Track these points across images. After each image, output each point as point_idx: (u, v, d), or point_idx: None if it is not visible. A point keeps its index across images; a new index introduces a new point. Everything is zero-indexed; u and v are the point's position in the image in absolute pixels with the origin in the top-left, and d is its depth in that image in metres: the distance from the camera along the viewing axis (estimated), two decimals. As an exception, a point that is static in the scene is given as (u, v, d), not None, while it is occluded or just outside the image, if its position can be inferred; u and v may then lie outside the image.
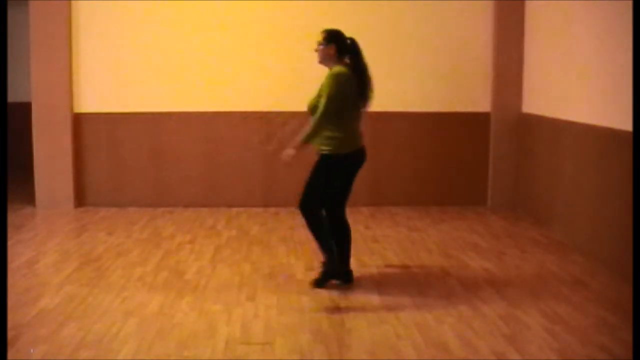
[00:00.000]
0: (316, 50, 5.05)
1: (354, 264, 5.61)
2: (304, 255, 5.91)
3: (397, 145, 7.86)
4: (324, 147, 4.96)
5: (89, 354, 3.88)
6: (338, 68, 4.95)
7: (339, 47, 5.00)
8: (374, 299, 4.85)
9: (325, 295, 4.88)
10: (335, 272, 5.09)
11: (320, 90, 4.96)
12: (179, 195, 7.87)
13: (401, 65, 7.73)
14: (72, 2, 7.60)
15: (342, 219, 5.09)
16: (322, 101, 4.87)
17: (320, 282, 5.06)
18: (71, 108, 7.69)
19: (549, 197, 6.86)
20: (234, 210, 7.70)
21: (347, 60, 5.01)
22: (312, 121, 4.93)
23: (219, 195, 7.88)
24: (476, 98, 7.82)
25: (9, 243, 6.18)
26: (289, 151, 4.94)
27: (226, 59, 7.77)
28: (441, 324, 4.35)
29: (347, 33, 7.68)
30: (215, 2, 7.71)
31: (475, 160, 7.88)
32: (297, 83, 7.78)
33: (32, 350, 3.90)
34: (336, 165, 4.97)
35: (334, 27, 5.10)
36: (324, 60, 5.04)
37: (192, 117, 7.82)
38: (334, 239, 5.07)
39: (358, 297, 4.87)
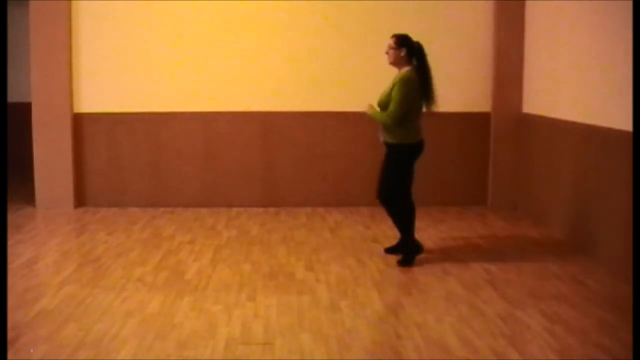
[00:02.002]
0: (387, 53, 5.58)
1: (354, 264, 5.63)
2: (304, 255, 5.92)
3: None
4: (390, 138, 5.57)
5: (89, 354, 3.88)
6: (406, 73, 5.50)
7: (408, 50, 5.53)
8: (374, 298, 4.85)
9: (326, 295, 4.88)
10: (412, 250, 5.70)
11: (391, 91, 5.48)
12: (179, 195, 7.86)
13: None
14: (72, 2, 7.60)
15: (408, 199, 5.69)
16: (392, 105, 5.44)
17: (406, 262, 5.60)
18: (71, 108, 7.68)
19: (549, 197, 6.86)
20: (234, 210, 7.70)
21: (414, 62, 5.54)
22: (384, 114, 5.51)
23: (219, 195, 7.88)
24: (476, 98, 7.81)
25: (9, 243, 6.18)
26: (370, 106, 5.64)
27: (226, 59, 7.76)
28: (441, 324, 4.35)
29: (347, 33, 7.78)
30: (215, 2, 7.71)
31: (475, 160, 7.88)
32: (297, 83, 7.80)
33: (32, 350, 3.90)
34: (401, 153, 5.57)
35: (403, 33, 5.59)
36: (395, 62, 5.57)
37: (192, 117, 7.82)
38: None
39: (358, 297, 4.87)
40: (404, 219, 5.68)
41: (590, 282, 5.19)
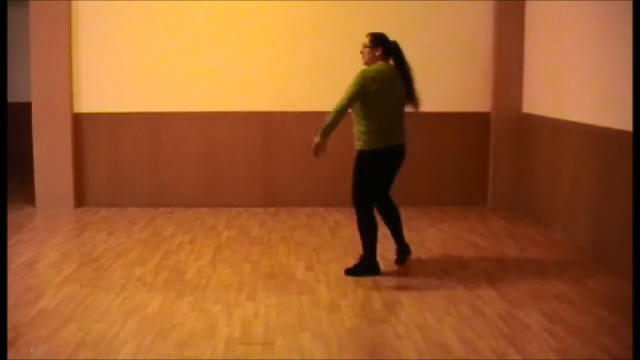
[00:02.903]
0: (362, 52, 5.32)
1: (354, 263, 5.63)
2: (304, 255, 5.92)
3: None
4: (358, 143, 5.28)
5: (89, 354, 3.88)
6: (370, 67, 5.22)
7: (384, 49, 5.27)
8: (375, 298, 4.85)
9: (326, 295, 4.88)
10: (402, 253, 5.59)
11: None
12: (179, 195, 7.86)
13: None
14: (72, 2, 7.60)
15: (386, 203, 5.48)
16: (342, 96, 5.15)
17: (352, 272, 5.32)
18: (71, 108, 7.68)
19: (549, 197, 6.86)
20: (234, 210, 7.70)
21: (391, 62, 5.29)
22: (330, 115, 5.21)
23: (219, 195, 7.88)
24: (476, 98, 7.81)
25: (9, 243, 6.18)
26: (315, 139, 5.24)
27: (226, 59, 7.76)
28: (441, 324, 4.35)
29: (347, 33, 7.78)
30: (215, 2, 7.71)
31: (475, 160, 7.88)
32: (297, 83, 7.80)
33: (32, 350, 3.90)
34: (370, 159, 5.24)
35: (379, 31, 5.34)
36: (370, 61, 5.29)
37: (192, 117, 7.82)
38: (385, 221, 5.52)
39: (358, 297, 4.87)
40: (363, 229, 5.32)
41: (590, 282, 5.19)
